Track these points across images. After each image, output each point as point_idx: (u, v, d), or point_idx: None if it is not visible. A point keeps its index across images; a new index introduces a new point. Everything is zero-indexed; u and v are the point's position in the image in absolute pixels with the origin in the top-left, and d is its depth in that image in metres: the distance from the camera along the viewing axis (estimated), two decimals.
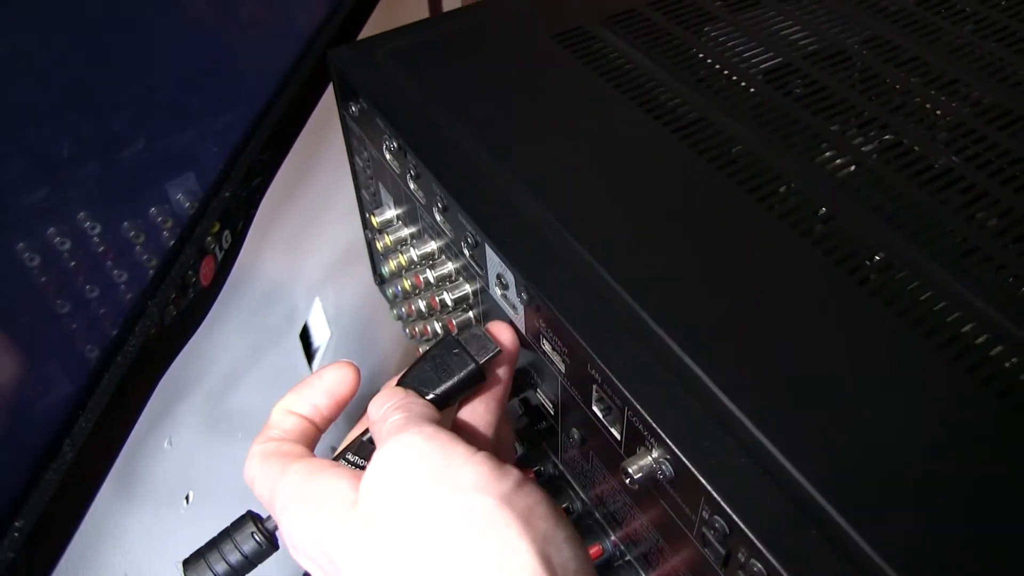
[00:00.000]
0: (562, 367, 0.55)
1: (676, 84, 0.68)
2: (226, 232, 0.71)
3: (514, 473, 0.44)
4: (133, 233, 0.62)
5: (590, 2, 0.78)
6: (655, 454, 0.47)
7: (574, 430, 0.58)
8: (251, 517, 0.52)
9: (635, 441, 0.49)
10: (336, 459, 0.51)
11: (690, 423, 0.46)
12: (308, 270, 1.14)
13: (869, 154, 0.63)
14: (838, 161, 0.62)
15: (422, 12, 1.38)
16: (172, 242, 0.66)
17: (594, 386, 0.51)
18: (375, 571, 0.42)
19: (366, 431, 0.51)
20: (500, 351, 0.54)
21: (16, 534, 0.51)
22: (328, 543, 0.44)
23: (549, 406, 0.61)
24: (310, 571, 0.46)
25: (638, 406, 0.47)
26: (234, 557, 0.50)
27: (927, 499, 0.43)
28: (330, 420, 0.53)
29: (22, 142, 0.53)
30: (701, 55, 0.72)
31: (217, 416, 0.94)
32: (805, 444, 0.45)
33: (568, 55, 0.71)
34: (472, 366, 0.53)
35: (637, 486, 0.48)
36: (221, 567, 0.50)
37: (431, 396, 0.51)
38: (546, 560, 0.41)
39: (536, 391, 0.62)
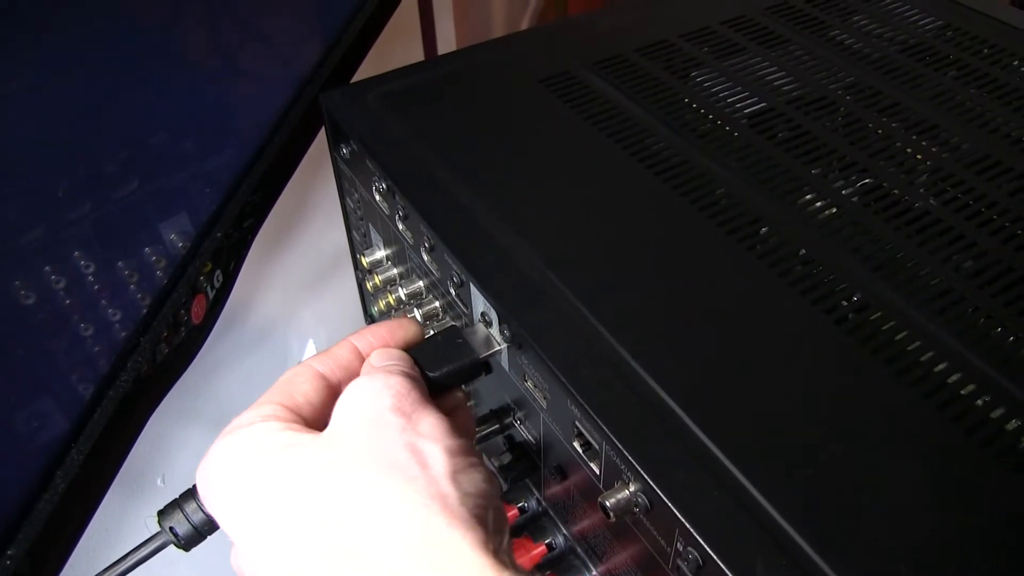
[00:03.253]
0: (544, 403, 0.56)
1: (661, 128, 0.70)
2: (218, 272, 0.72)
3: (471, 445, 0.47)
4: (127, 272, 0.63)
5: (578, 48, 0.79)
6: (632, 488, 0.48)
7: (556, 466, 0.59)
8: None
9: (613, 476, 0.50)
10: None
11: (665, 457, 0.47)
12: (300, 312, 1.15)
13: (849, 197, 0.64)
14: (819, 204, 0.63)
15: (417, 54, 1.40)
16: (165, 281, 0.67)
17: (574, 422, 0.52)
18: (321, 498, 0.42)
19: None
20: (501, 350, 0.57)
21: (8, 562, 0.52)
22: (256, 484, 0.44)
23: (532, 442, 0.62)
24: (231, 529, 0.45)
25: (616, 441, 0.48)
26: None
27: (895, 531, 0.44)
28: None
29: (19, 182, 0.54)
30: (686, 100, 0.73)
31: None
32: (777, 478, 0.46)
33: (555, 99, 0.73)
34: (474, 356, 0.54)
35: (615, 519, 0.48)
36: (198, 517, 0.48)
37: (431, 375, 0.52)
38: (471, 515, 0.43)
39: (519, 427, 0.63)
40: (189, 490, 0.49)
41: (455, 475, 0.44)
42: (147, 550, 0.49)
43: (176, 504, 0.49)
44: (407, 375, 0.48)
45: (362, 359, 0.52)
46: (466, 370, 0.54)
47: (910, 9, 0.85)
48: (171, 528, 0.49)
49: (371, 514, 0.41)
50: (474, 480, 0.45)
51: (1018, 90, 0.74)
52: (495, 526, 0.44)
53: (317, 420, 0.48)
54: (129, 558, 0.49)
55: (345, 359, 0.52)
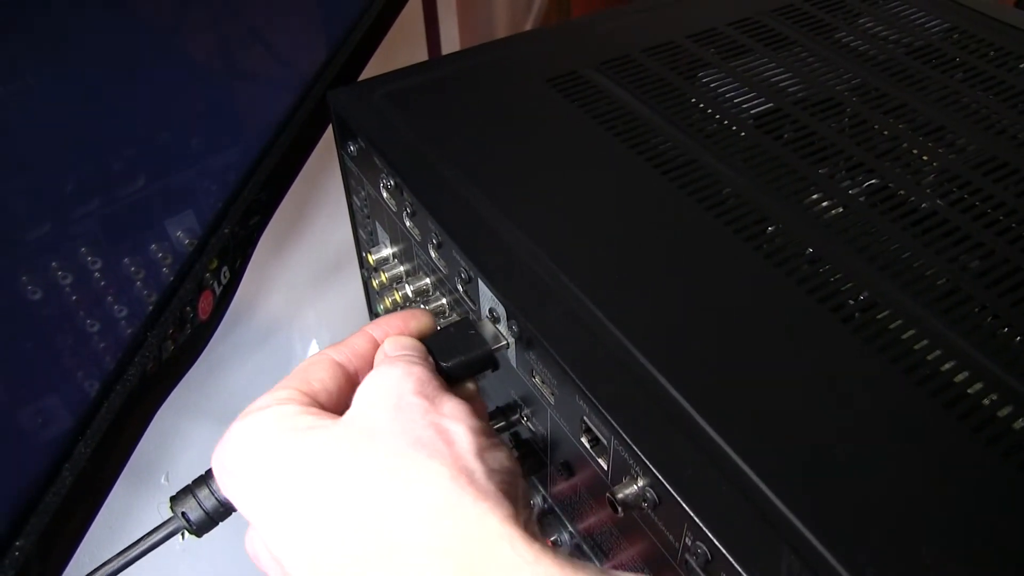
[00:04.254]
0: (551, 399, 0.56)
1: (668, 128, 0.70)
2: (224, 268, 0.72)
3: (489, 427, 0.48)
4: (134, 268, 0.63)
5: (585, 48, 0.80)
6: (640, 483, 0.48)
7: (563, 462, 0.59)
8: None
9: (621, 471, 0.50)
10: None
11: (674, 452, 0.47)
12: (304, 310, 1.15)
13: (856, 197, 0.64)
14: (825, 204, 0.64)
15: (421, 55, 1.40)
16: (171, 278, 0.67)
17: (583, 417, 0.52)
18: (344, 477, 0.43)
19: None
20: (510, 345, 0.57)
21: (17, 553, 0.52)
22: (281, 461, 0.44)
23: (539, 439, 0.62)
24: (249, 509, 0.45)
25: (624, 435, 0.48)
26: (223, 495, 0.49)
27: (903, 526, 0.44)
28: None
29: (28, 179, 0.54)
30: (693, 100, 0.73)
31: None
32: (785, 473, 0.46)
33: (562, 98, 0.73)
34: (486, 347, 0.55)
35: (623, 514, 0.48)
36: (210, 503, 0.49)
37: (444, 365, 0.53)
38: (498, 491, 0.43)
39: (526, 424, 0.63)
40: (201, 476, 0.50)
41: (481, 452, 0.44)
42: (160, 535, 0.49)
43: (189, 490, 0.50)
44: (426, 365, 0.49)
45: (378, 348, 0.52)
46: (478, 362, 0.55)
47: (916, 12, 0.85)
48: (183, 513, 0.49)
49: (395, 490, 0.42)
50: (498, 458, 0.45)
51: None
52: (522, 501, 0.44)
53: (334, 407, 0.49)
54: (142, 543, 0.49)
55: (362, 348, 0.52)
